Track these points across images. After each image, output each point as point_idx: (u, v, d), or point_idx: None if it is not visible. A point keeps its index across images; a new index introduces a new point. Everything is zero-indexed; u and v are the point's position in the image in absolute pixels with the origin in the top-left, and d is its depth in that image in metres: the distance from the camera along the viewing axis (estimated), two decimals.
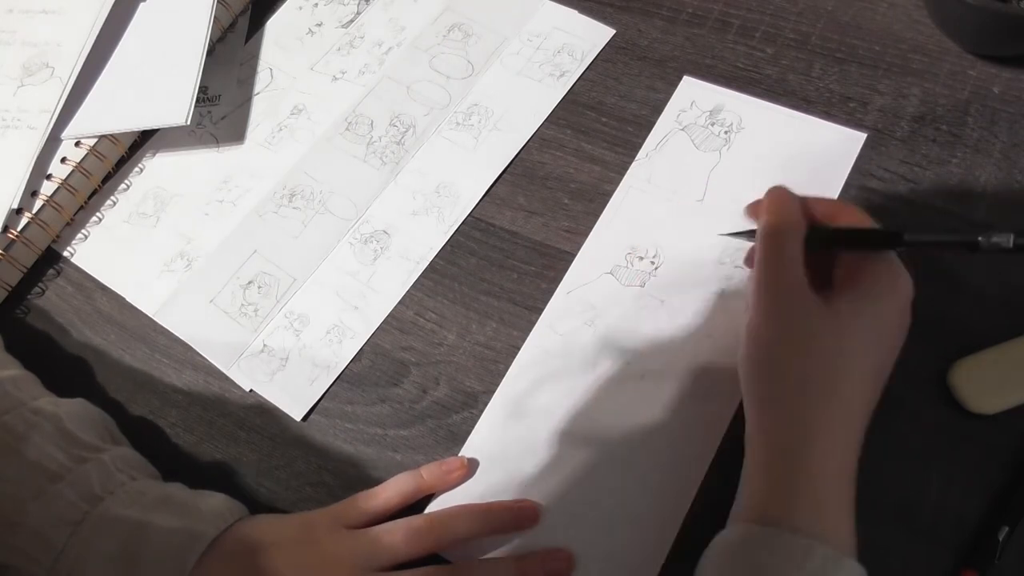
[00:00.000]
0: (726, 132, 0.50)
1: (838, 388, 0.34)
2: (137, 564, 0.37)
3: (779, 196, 0.39)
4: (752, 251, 0.42)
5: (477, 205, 0.51)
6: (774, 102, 0.51)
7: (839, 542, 0.32)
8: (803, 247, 0.37)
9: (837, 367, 0.35)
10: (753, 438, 0.36)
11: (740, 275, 0.45)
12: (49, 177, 0.54)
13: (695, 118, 0.51)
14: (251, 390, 0.48)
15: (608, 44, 0.55)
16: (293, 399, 0.47)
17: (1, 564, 0.38)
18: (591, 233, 0.49)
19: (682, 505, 0.40)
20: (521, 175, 0.52)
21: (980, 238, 0.34)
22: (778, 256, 0.37)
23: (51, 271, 0.54)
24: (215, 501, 0.41)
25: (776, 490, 0.34)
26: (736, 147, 0.50)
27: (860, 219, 0.38)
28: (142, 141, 0.58)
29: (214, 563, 0.38)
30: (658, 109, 0.52)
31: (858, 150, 0.48)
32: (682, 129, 0.51)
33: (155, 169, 0.57)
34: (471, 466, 0.43)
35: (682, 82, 0.52)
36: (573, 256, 0.48)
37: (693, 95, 0.52)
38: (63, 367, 0.50)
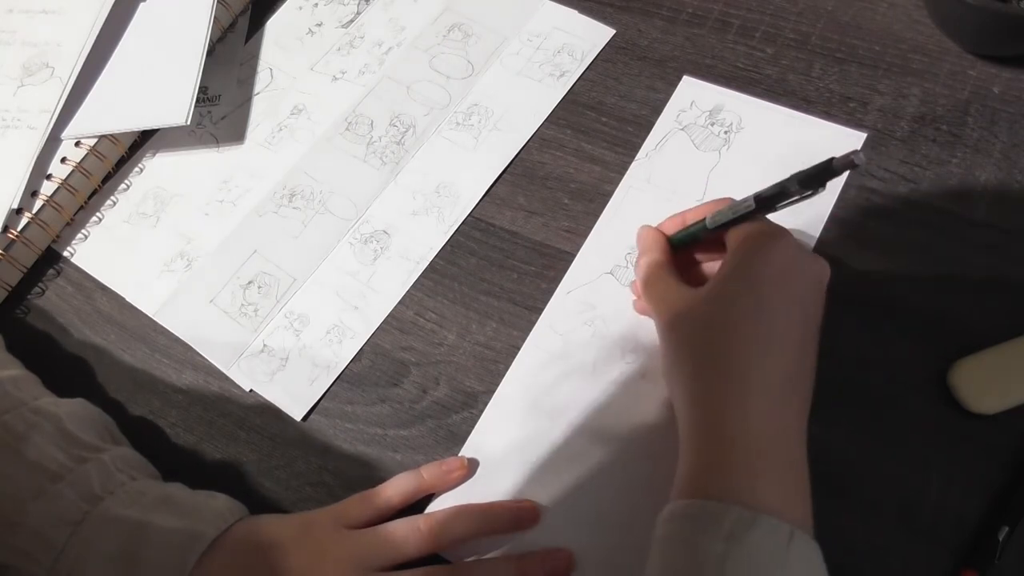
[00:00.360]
0: (726, 132, 0.50)
1: (733, 357, 0.35)
2: (137, 564, 0.37)
3: (641, 236, 0.44)
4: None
5: (477, 205, 0.51)
6: (774, 102, 0.51)
7: (761, 503, 0.32)
8: (665, 262, 0.41)
9: (724, 339, 0.36)
10: (679, 425, 0.38)
11: None
12: (49, 177, 0.54)
13: (695, 118, 0.51)
14: (251, 390, 0.48)
15: (608, 44, 0.55)
16: (293, 399, 0.47)
17: (1, 564, 0.38)
18: (591, 233, 0.49)
19: None
20: (521, 175, 0.52)
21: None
22: (647, 275, 0.41)
23: (51, 271, 0.54)
24: (215, 501, 0.41)
25: (695, 464, 0.35)
26: (736, 147, 0.50)
27: (714, 208, 0.41)
28: (142, 141, 0.58)
29: (214, 563, 0.38)
30: (658, 109, 0.52)
31: (858, 149, 0.48)
32: (682, 129, 0.51)
33: (155, 169, 0.57)
34: (471, 466, 0.43)
35: (682, 82, 0.52)
36: (573, 256, 0.48)
37: (693, 95, 0.52)
38: (63, 367, 0.50)
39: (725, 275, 0.37)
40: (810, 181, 0.36)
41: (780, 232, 0.38)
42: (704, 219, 0.41)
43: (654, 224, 0.44)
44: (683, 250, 0.43)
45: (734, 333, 0.36)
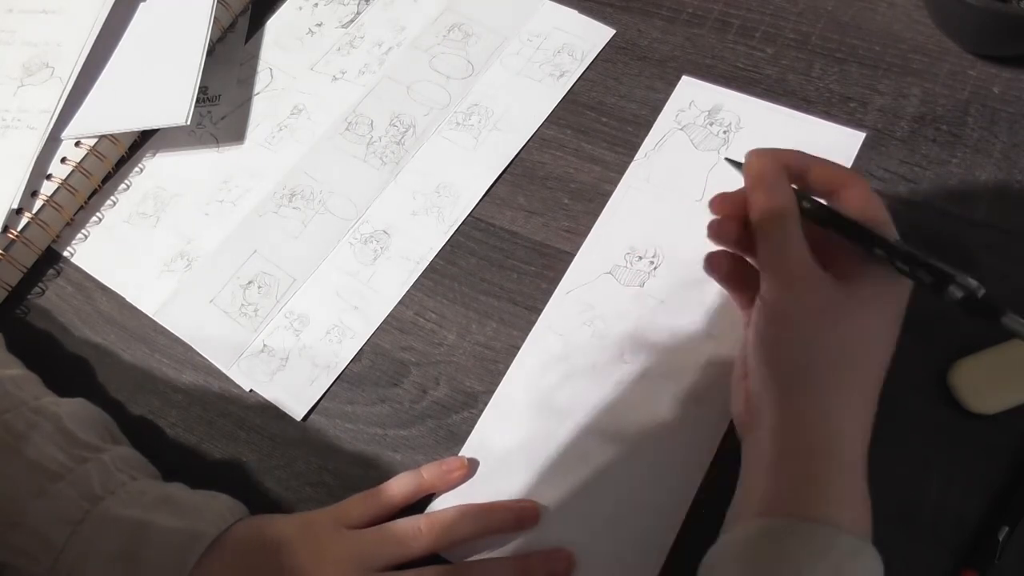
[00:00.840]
0: (725, 132, 0.50)
1: (859, 368, 0.34)
2: (137, 563, 0.37)
3: (765, 174, 0.36)
4: (716, 223, 0.39)
5: (477, 205, 0.51)
6: (774, 102, 0.51)
7: (860, 531, 0.32)
8: (800, 232, 0.35)
9: (858, 346, 0.34)
10: (773, 428, 0.35)
11: None
12: (49, 177, 0.54)
13: (694, 118, 0.51)
14: (251, 390, 0.48)
15: (608, 44, 0.55)
16: (293, 399, 0.47)
17: (1, 563, 0.38)
18: (590, 233, 0.49)
19: (683, 505, 0.40)
20: (521, 175, 0.52)
21: (951, 286, 0.33)
22: (781, 237, 0.35)
23: (51, 271, 0.54)
24: (216, 501, 0.41)
25: (800, 480, 0.33)
26: (735, 146, 0.50)
27: (864, 198, 0.36)
28: (142, 141, 0.58)
29: (214, 563, 0.38)
30: (658, 109, 0.52)
31: (857, 149, 0.48)
32: (681, 129, 0.51)
33: (155, 169, 0.57)
34: (471, 466, 0.43)
35: (680, 82, 0.52)
36: (573, 256, 0.48)
37: (692, 95, 0.52)
38: (63, 367, 0.50)
39: (868, 296, 0.34)
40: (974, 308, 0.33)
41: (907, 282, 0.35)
42: (855, 220, 0.35)
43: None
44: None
45: (859, 353, 0.34)
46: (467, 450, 0.44)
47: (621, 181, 0.50)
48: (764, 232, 0.35)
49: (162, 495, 0.40)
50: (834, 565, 0.31)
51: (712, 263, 0.39)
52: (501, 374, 0.45)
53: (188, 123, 0.53)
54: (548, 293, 0.47)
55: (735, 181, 0.49)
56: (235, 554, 0.38)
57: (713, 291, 0.45)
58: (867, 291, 0.34)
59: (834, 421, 0.34)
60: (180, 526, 0.38)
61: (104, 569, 0.37)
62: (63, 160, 0.54)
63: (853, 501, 0.33)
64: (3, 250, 0.51)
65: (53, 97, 0.55)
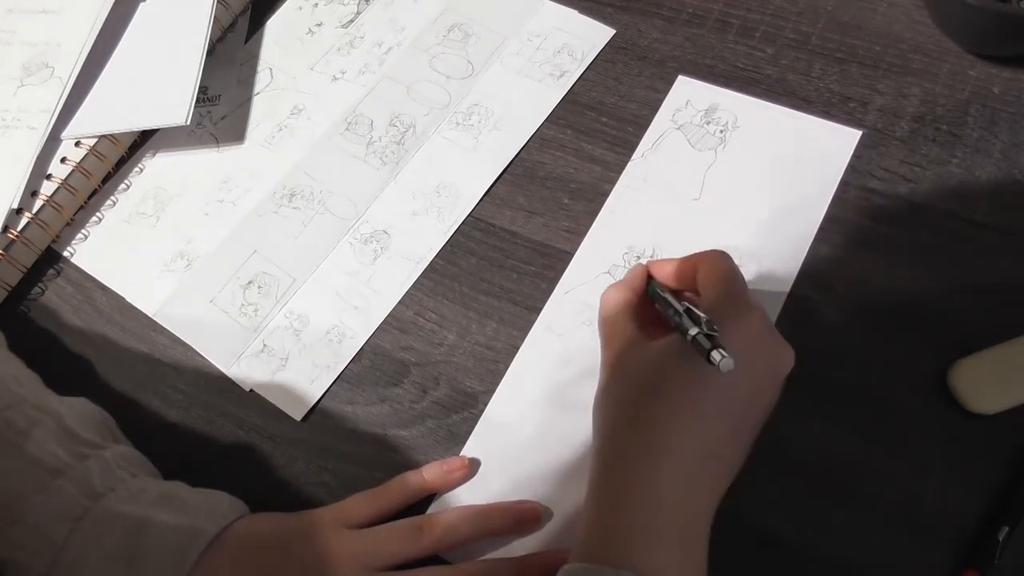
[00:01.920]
0: (721, 131, 0.50)
1: (658, 421, 0.34)
2: (138, 560, 0.37)
3: (630, 270, 0.43)
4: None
5: (477, 205, 0.51)
6: (774, 102, 0.51)
7: (655, 572, 0.32)
8: (634, 303, 0.40)
9: (654, 403, 0.35)
10: (589, 472, 0.37)
11: None
12: (49, 177, 0.54)
13: (690, 117, 0.51)
14: (251, 390, 0.48)
15: (608, 44, 0.55)
16: (293, 399, 0.47)
17: (2, 559, 0.38)
18: (588, 233, 0.49)
19: None
20: (521, 175, 0.52)
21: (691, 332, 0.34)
22: (607, 312, 0.41)
23: (51, 271, 0.54)
24: (216, 499, 0.41)
25: (596, 524, 0.34)
26: (732, 146, 0.50)
27: (710, 269, 0.39)
28: (142, 141, 0.58)
29: (215, 560, 0.38)
30: (657, 109, 0.52)
31: (853, 147, 0.48)
32: (678, 128, 0.51)
33: (155, 169, 0.57)
34: (472, 466, 0.43)
35: (677, 81, 0.53)
36: (573, 256, 0.48)
37: (688, 94, 0.52)
38: (63, 367, 0.50)
39: (676, 353, 0.36)
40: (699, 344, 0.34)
41: (749, 310, 0.36)
42: (663, 296, 0.39)
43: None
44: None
45: (667, 399, 0.35)
46: (467, 450, 0.44)
47: (619, 181, 0.50)
48: (601, 316, 0.42)
49: (162, 492, 0.40)
50: None
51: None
52: (501, 374, 0.45)
53: (188, 123, 0.53)
54: (548, 293, 0.47)
55: (732, 181, 0.49)
56: (235, 552, 0.38)
57: None
58: (669, 347, 0.36)
59: (621, 468, 0.35)
60: (180, 523, 0.38)
61: (104, 566, 0.37)
62: (63, 160, 0.54)
63: (655, 550, 0.32)
64: (3, 250, 0.51)
65: (53, 97, 0.55)
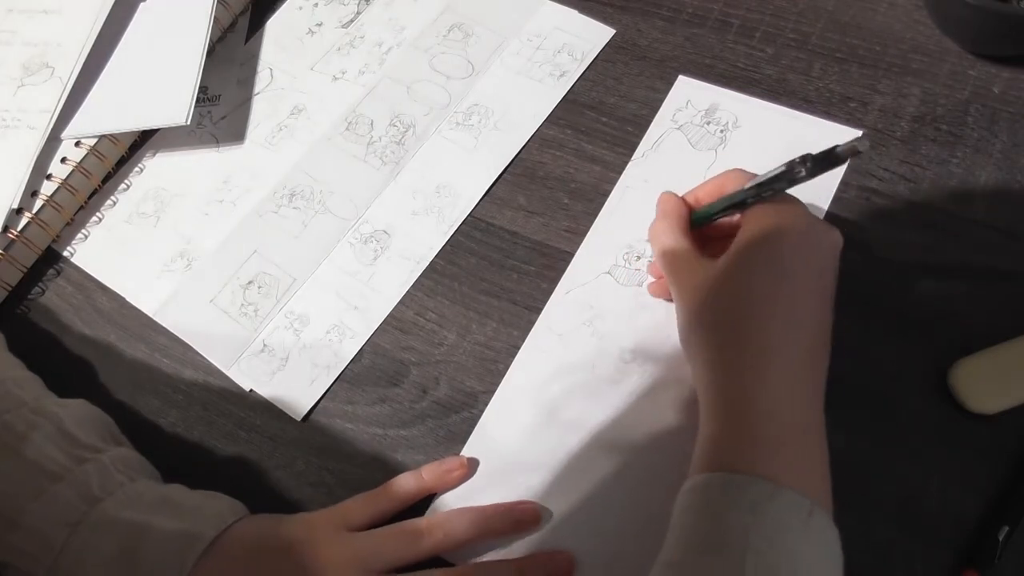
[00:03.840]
0: (721, 131, 0.50)
1: (754, 327, 0.35)
2: (136, 565, 0.37)
3: (662, 202, 0.44)
4: (653, 285, 0.46)
5: (477, 205, 0.51)
6: (774, 102, 0.51)
7: (781, 476, 0.32)
8: (686, 233, 0.41)
9: (746, 308, 0.36)
10: (699, 397, 0.38)
11: None
12: (49, 177, 0.54)
13: (691, 117, 0.51)
14: (251, 390, 0.48)
15: (608, 44, 0.55)
16: (293, 399, 0.47)
17: (1, 563, 0.38)
18: (588, 233, 0.49)
19: None
20: (521, 175, 0.52)
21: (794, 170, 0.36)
22: (664, 247, 0.41)
23: (51, 271, 0.54)
24: (215, 501, 0.41)
25: (717, 437, 0.35)
26: (732, 145, 0.50)
27: (739, 180, 0.40)
28: (142, 141, 0.58)
29: (213, 565, 0.38)
30: (658, 109, 0.52)
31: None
32: (678, 128, 0.51)
33: (155, 169, 0.57)
34: (471, 466, 0.43)
35: (677, 81, 0.53)
36: (573, 256, 0.48)
37: (688, 94, 0.52)
38: (63, 367, 0.50)
39: (744, 245, 0.37)
40: (816, 165, 0.36)
41: (793, 201, 0.38)
42: (715, 203, 0.41)
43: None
44: (697, 227, 0.43)
45: (756, 302, 0.36)
46: (467, 450, 0.44)
47: (619, 181, 0.50)
48: (662, 256, 0.42)
49: (160, 496, 0.40)
50: (749, 504, 0.31)
51: (653, 292, 0.46)
52: (501, 374, 0.45)
53: (188, 123, 0.53)
54: (548, 293, 0.47)
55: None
56: (234, 555, 0.38)
57: None
58: (732, 259, 0.37)
59: (734, 377, 0.35)
60: (178, 528, 0.38)
61: (103, 570, 0.37)
62: (63, 160, 0.54)
63: (771, 449, 0.33)
64: (3, 250, 0.51)
65: (53, 97, 0.55)
